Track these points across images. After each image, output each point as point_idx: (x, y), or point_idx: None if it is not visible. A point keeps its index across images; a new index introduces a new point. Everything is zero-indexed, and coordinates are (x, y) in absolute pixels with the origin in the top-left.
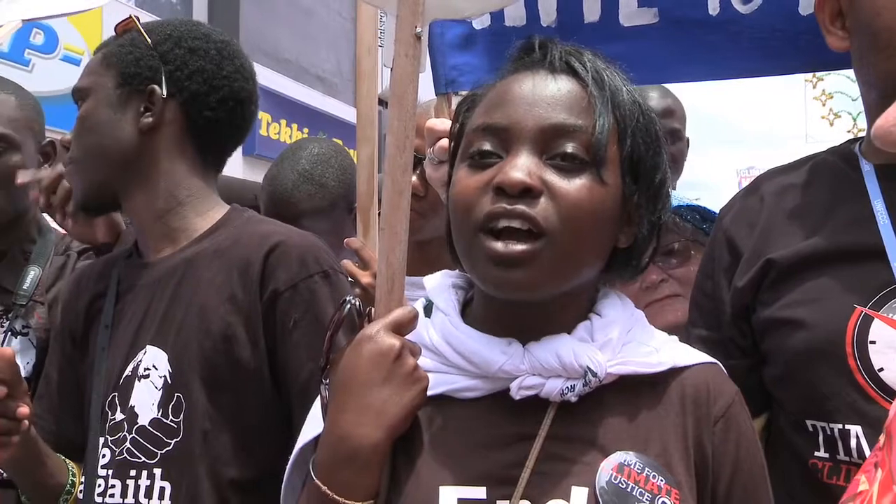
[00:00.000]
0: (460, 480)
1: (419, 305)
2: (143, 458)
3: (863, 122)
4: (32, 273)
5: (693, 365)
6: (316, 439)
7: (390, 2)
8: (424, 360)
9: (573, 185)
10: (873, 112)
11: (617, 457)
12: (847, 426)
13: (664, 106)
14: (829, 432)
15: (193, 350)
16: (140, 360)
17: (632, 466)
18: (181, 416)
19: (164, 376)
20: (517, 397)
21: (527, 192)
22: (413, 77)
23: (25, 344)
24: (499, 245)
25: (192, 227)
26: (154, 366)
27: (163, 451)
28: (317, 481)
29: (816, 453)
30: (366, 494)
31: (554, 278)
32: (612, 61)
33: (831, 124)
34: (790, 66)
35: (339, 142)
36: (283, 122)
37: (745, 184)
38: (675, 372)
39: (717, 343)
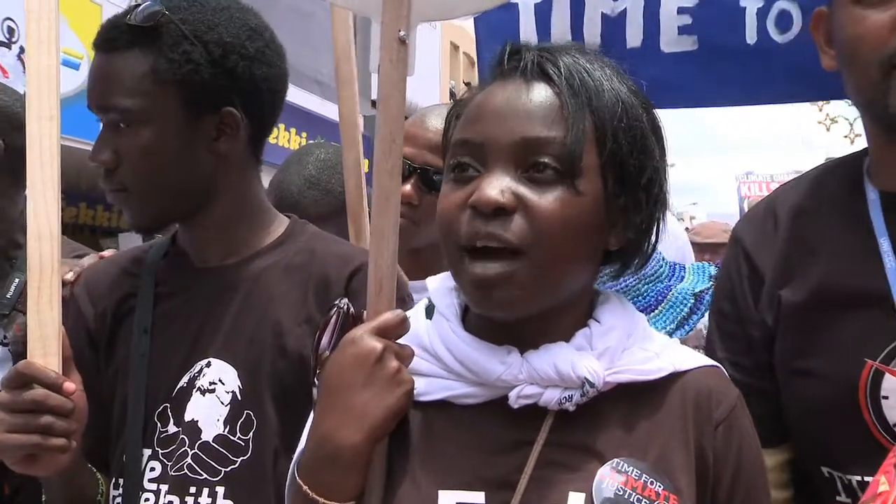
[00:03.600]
0: (459, 485)
1: (421, 306)
2: (206, 475)
3: (860, 127)
4: (17, 280)
5: (694, 369)
6: None
7: (374, 7)
8: (425, 364)
9: (546, 200)
10: (865, 126)
11: (614, 463)
12: (866, 478)
13: None
14: (846, 482)
15: (266, 367)
16: (200, 373)
17: (629, 473)
18: (251, 433)
19: (233, 392)
20: (515, 406)
21: (501, 211)
22: (398, 82)
23: (5, 355)
24: (477, 268)
25: (255, 238)
26: (220, 380)
27: (227, 469)
28: (299, 480)
29: (838, 498)
30: (346, 496)
31: (534, 295)
32: (600, 56)
33: (828, 129)
34: (824, 92)
35: (340, 146)
36: (282, 126)
37: (744, 189)
38: (676, 376)
39: (755, 368)
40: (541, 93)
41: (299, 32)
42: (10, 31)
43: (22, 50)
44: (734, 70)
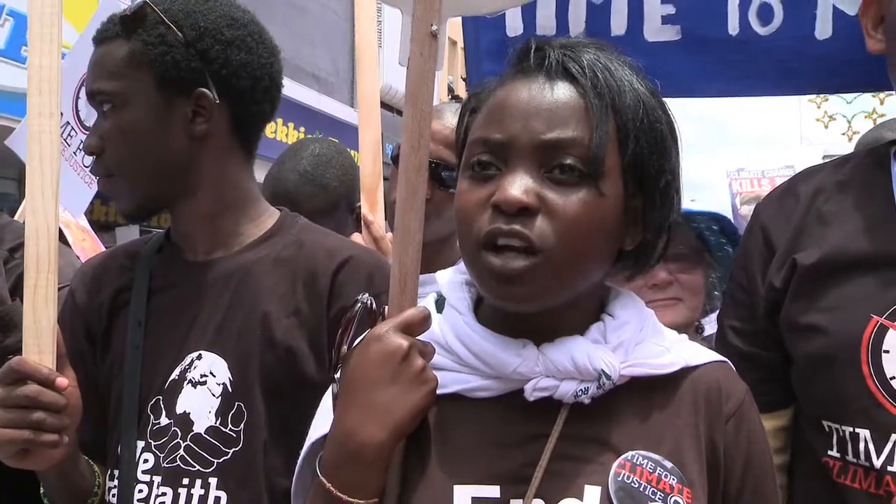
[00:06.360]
0: (474, 479)
1: (431, 300)
2: (198, 467)
3: (858, 125)
4: None
5: (704, 364)
6: (326, 436)
7: (405, 0)
8: (437, 358)
9: (570, 201)
10: None
11: (629, 456)
12: (857, 430)
13: None
14: (841, 434)
15: (255, 359)
16: (192, 365)
17: (644, 466)
18: (241, 425)
19: (224, 384)
20: (531, 399)
21: (524, 211)
22: (429, 76)
23: None
24: (497, 262)
25: (245, 231)
26: (211, 372)
27: (220, 460)
28: (321, 478)
29: (829, 452)
30: (370, 493)
31: (553, 291)
32: (619, 54)
33: (826, 126)
34: (805, 86)
35: (336, 141)
36: (280, 121)
37: (735, 186)
38: (686, 371)
39: (751, 334)
40: (565, 92)
41: (296, 28)
42: None
43: None
44: (718, 61)
